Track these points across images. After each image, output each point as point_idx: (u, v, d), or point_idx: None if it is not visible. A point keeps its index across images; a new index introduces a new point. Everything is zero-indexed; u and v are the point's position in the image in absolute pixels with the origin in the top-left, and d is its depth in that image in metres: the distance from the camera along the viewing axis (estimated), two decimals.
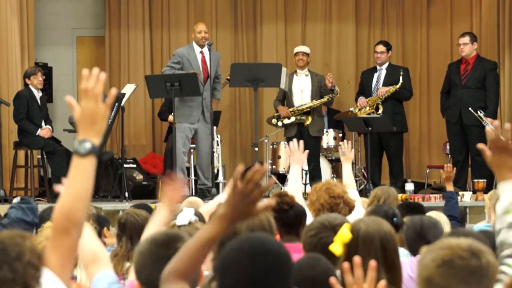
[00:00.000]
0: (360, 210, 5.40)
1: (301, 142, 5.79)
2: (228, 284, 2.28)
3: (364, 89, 11.62)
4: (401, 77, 11.24)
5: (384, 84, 11.37)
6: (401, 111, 11.50)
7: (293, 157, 5.69)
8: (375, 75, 11.55)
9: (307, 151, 5.79)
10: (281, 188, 11.26)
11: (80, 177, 2.48)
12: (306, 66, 11.37)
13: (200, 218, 4.23)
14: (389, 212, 4.96)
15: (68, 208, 2.43)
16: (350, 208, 4.95)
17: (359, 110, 11.40)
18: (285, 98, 11.46)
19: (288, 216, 4.51)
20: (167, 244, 2.88)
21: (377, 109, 11.28)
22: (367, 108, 11.33)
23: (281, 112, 11.26)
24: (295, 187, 5.51)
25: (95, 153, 2.48)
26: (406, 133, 11.86)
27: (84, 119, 2.49)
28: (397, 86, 11.24)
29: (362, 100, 11.42)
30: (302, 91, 11.29)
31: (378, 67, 11.58)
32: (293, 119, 11.17)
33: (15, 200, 5.27)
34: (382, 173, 11.66)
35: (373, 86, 11.50)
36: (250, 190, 2.38)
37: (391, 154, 11.31)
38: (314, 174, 11.07)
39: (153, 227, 3.61)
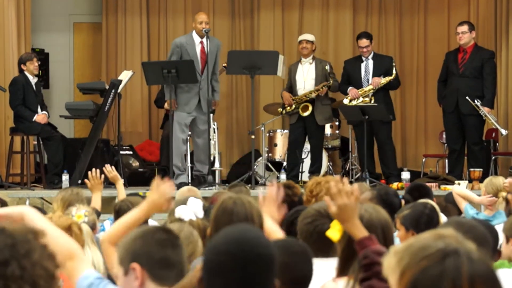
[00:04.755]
0: None
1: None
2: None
3: (351, 79, 11.53)
4: (394, 68, 11.19)
5: (374, 74, 11.27)
6: (390, 101, 11.47)
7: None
8: (362, 65, 11.41)
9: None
10: (278, 177, 11.27)
11: None
12: (310, 54, 11.27)
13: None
14: (389, 193, 5.03)
15: None
16: None
17: (350, 101, 11.31)
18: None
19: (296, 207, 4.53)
20: (164, 229, 2.84)
21: (370, 100, 11.21)
22: (360, 99, 11.25)
23: (284, 99, 11.17)
24: None
25: None
26: (395, 121, 11.83)
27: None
28: (392, 77, 11.19)
29: (354, 90, 11.32)
30: (305, 80, 11.21)
31: (363, 57, 11.45)
32: (293, 107, 11.12)
33: None
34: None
35: (362, 76, 11.42)
36: None
37: (383, 143, 11.24)
38: (314, 161, 11.08)
39: (131, 219, 3.44)
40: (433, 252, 1.87)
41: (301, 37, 11.44)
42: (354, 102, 11.21)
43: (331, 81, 11.04)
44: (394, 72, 11.19)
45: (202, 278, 2.31)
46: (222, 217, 3.65)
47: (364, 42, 11.37)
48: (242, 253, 2.26)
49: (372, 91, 11.22)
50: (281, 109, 11.29)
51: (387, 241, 3.18)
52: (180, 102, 10.30)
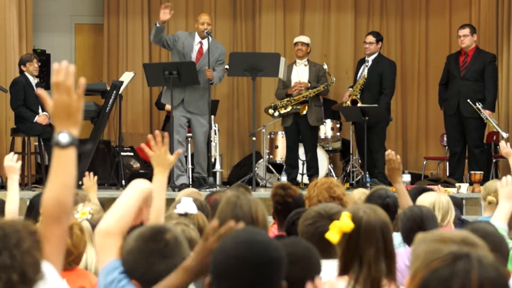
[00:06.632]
0: None
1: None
2: None
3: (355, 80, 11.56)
4: (366, 68, 11.15)
5: (368, 76, 11.22)
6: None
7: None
8: (362, 66, 11.43)
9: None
10: (278, 179, 11.26)
11: (64, 168, 2.49)
12: (305, 56, 11.26)
13: (200, 208, 4.25)
14: (382, 194, 5.05)
15: (58, 197, 2.47)
16: None
17: (346, 103, 11.31)
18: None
19: (291, 209, 4.53)
20: (156, 237, 2.81)
21: (355, 102, 11.11)
22: (348, 102, 11.24)
23: (293, 86, 11.02)
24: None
25: (75, 144, 2.50)
26: (396, 124, 11.76)
27: (59, 112, 2.52)
28: (364, 77, 11.15)
29: (346, 95, 11.39)
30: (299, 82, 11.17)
31: (366, 58, 11.43)
32: (289, 108, 11.08)
33: None
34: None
35: (357, 77, 11.42)
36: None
37: (374, 151, 11.12)
38: (310, 164, 11.04)
39: (159, 198, 3.47)
40: (444, 254, 1.91)
41: (296, 39, 11.42)
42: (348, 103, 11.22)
43: (321, 86, 10.99)
44: (365, 73, 11.10)
45: (211, 282, 2.30)
46: (227, 208, 3.73)
47: (368, 38, 11.36)
48: (252, 256, 2.26)
49: (355, 93, 11.16)
50: (273, 111, 11.16)
51: (386, 243, 3.18)
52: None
